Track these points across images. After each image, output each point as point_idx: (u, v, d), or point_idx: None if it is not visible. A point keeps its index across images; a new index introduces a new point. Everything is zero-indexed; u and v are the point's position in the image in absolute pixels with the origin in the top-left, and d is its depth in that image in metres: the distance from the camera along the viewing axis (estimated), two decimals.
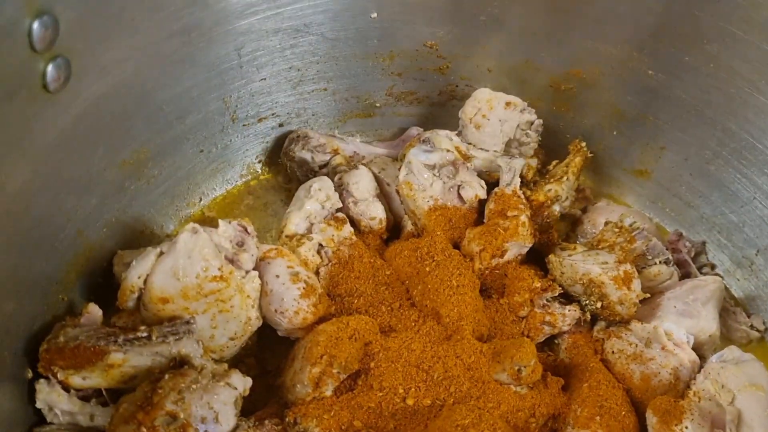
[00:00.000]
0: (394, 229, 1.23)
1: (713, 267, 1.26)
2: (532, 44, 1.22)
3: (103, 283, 1.10)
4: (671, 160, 1.25)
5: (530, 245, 1.14)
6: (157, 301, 0.97)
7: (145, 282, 0.97)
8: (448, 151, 1.19)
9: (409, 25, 1.21)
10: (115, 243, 1.11)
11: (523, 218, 1.13)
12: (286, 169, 1.29)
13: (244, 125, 1.24)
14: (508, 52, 1.24)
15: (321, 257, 1.13)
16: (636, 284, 1.09)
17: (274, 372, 1.04)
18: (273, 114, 1.26)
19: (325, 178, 1.22)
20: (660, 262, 1.14)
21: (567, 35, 1.19)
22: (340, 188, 1.21)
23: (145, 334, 0.93)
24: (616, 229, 1.17)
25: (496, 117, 1.25)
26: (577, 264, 1.10)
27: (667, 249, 1.17)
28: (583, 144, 1.27)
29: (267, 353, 1.08)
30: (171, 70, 1.06)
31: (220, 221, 1.01)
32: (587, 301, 1.10)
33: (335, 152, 1.27)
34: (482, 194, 1.17)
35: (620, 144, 1.29)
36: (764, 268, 1.21)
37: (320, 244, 1.14)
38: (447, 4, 1.18)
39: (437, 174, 1.17)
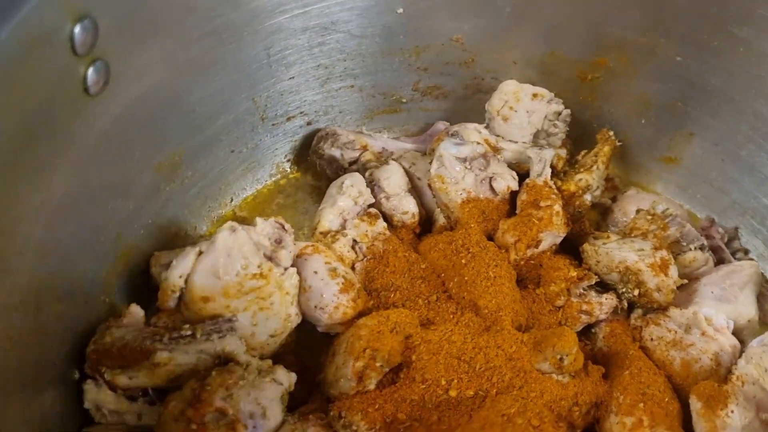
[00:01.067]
0: (425, 223, 1.23)
1: (746, 252, 1.25)
2: (557, 35, 1.22)
3: (141, 284, 1.11)
4: (701, 146, 1.25)
5: (564, 234, 1.14)
6: (198, 300, 0.97)
7: (186, 281, 0.98)
8: (477, 143, 1.20)
9: (435, 19, 1.21)
10: (152, 245, 1.12)
11: (557, 208, 1.14)
12: (316, 166, 1.30)
13: (273, 124, 1.25)
14: (533, 44, 1.24)
15: (356, 253, 1.14)
16: (673, 270, 1.09)
17: (314, 368, 1.05)
18: (301, 112, 1.27)
19: (357, 174, 1.23)
20: (695, 248, 1.14)
21: (592, 24, 1.19)
22: (372, 184, 1.21)
23: (189, 333, 0.94)
24: (649, 217, 1.17)
25: (524, 108, 1.25)
26: (613, 252, 1.10)
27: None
28: (611, 133, 1.27)
29: (306, 350, 1.08)
30: (203, 72, 1.06)
31: (257, 219, 1.02)
32: (624, 289, 1.10)
33: (364, 148, 1.28)
34: (514, 185, 1.18)
35: (648, 132, 1.29)
36: None
37: (354, 240, 1.15)
38: None
39: (469, 166, 1.18)
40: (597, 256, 1.11)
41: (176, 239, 1.18)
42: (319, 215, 1.18)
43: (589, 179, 1.23)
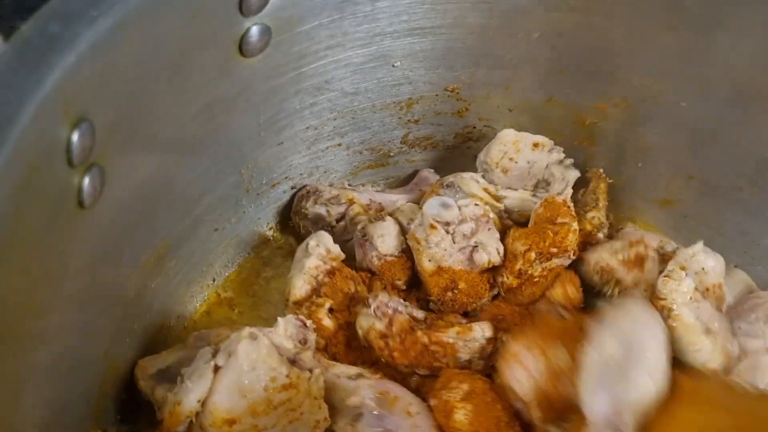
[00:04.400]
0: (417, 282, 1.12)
1: None
2: (558, 81, 1.15)
3: (126, 398, 0.96)
4: (699, 189, 1.21)
5: (573, 258, 1.07)
6: (222, 423, 0.83)
7: (203, 403, 0.84)
8: (476, 205, 1.10)
9: (432, 70, 1.11)
10: (136, 349, 0.97)
11: (574, 226, 1.07)
12: (299, 229, 1.17)
13: (257, 194, 1.11)
14: (532, 91, 1.17)
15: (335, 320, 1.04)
16: (650, 266, 1.06)
17: None
18: (286, 177, 1.14)
19: (322, 232, 1.11)
20: None
21: (594, 70, 1.13)
22: (364, 239, 1.09)
23: None
24: (658, 257, 1.13)
25: (524, 159, 1.18)
26: (588, 255, 1.09)
27: None
28: (601, 170, 1.22)
29: None
30: (192, 152, 0.92)
31: (279, 319, 0.90)
32: (606, 290, 1.08)
33: (351, 202, 1.16)
34: (497, 261, 1.05)
35: (644, 174, 1.24)
36: None
37: (331, 308, 1.04)
38: (473, 47, 1.09)
39: (451, 231, 1.06)
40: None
41: (159, 336, 1.03)
42: (289, 284, 1.05)
43: (600, 217, 1.18)
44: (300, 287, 1.03)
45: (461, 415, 0.91)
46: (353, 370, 0.96)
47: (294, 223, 1.18)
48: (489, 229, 1.09)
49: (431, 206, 1.08)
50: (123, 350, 0.93)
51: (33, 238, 0.64)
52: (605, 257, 1.08)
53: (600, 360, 0.91)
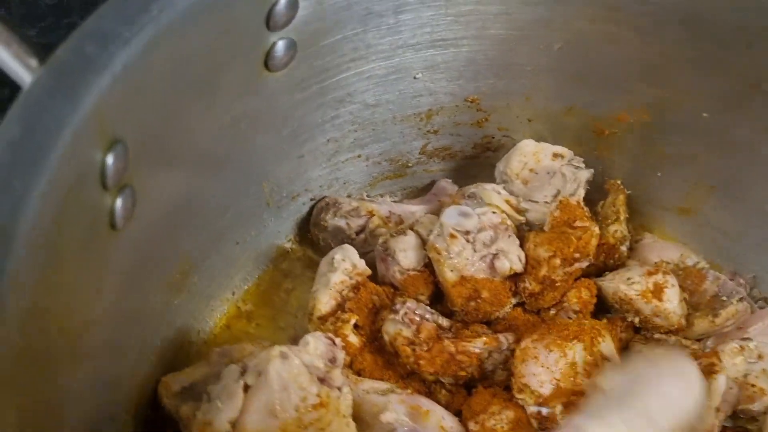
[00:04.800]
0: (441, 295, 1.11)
1: (767, 300, 1.25)
2: (579, 91, 1.14)
3: (152, 414, 0.95)
4: (721, 199, 1.21)
5: (591, 261, 1.07)
6: None
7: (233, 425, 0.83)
8: (494, 213, 1.10)
9: (453, 81, 1.10)
10: (159, 367, 0.96)
11: (596, 230, 1.07)
12: (318, 241, 1.16)
13: (278, 207, 1.10)
14: (552, 100, 1.16)
15: (360, 335, 1.03)
16: (670, 294, 1.05)
17: None
18: (306, 190, 1.13)
19: (347, 246, 1.10)
20: (736, 301, 1.09)
21: (617, 80, 1.12)
22: (385, 253, 1.08)
23: None
24: (680, 272, 1.13)
25: (544, 170, 1.17)
26: (605, 285, 1.08)
27: None
28: (619, 182, 1.21)
29: None
30: (218, 168, 0.91)
31: (308, 337, 0.89)
32: (630, 318, 1.07)
33: (371, 214, 1.16)
34: (518, 267, 1.05)
35: (664, 184, 1.23)
36: None
37: (356, 324, 1.03)
38: (495, 58, 1.09)
39: (471, 240, 1.06)
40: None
41: (181, 352, 1.01)
42: (314, 298, 1.04)
43: (623, 230, 1.17)
44: (326, 303, 1.02)
45: None
46: (383, 385, 0.95)
47: (312, 235, 1.17)
48: (509, 236, 1.08)
49: (450, 216, 1.07)
50: (147, 368, 0.92)
51: (69, 262, 0.63)
52: (623, 289, 1.07)
53: (602, 392, 0.91)
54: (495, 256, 1.05)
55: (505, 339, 1.01)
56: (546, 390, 0.94)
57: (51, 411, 0.65)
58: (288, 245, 1.18)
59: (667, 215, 1.28)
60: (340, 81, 1.00)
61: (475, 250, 1.05)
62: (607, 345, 0.99)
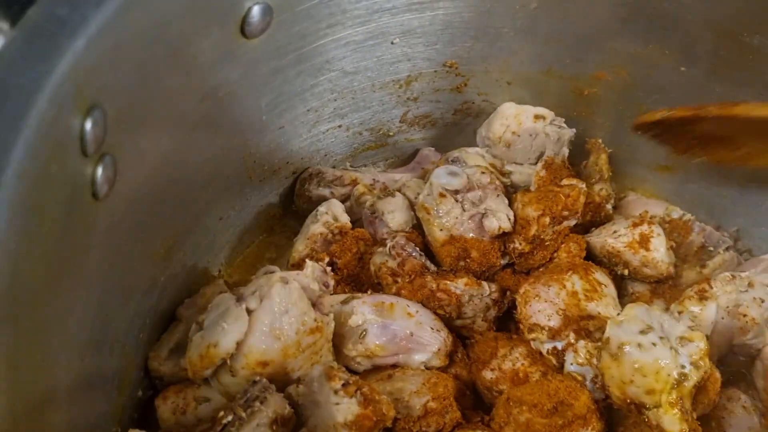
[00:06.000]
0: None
1: (750, 252, 1.26)
2: (557, 51, 1.14)
3: (142, 396, 0.94)
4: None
5: (577, 220, 1.07)
6: (255, 365, 0.84)
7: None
8: (482, 172, 1.10)
9: (430, 46, 1.10)
10: (146, 346, 0.95)
11: (583, 187, 1.07)
12: (303, 213, 1.15)
13: (260, 181, 1.09)
14: (530, 62, 1.16)
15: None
16: (656, 243, 1.06)
17: None
18: (287, 162, 1.12)
19: (334, 200, 1.11)
20: (723, 250, 1.11)
21: (593, 39, 1.12)
22: (373, 216, 1.09)
23: (230, 418, 0.78)
24: (666, 224, 1.13)
25: (527, 132, 1.17)
26: (592, 240, 1.08)
27: None
28: (600, 141, 1.21)
29: None
30: (199, 139, 0.89)
31: (307, 261, 0.93)
32: (619, 270, 1.08)
33: (354, 182, 1.15)
34: (507, 227, 1.04)
35: (645, 143, 1.23)
36: None
37: (332, 266, 1.04)
38: (471, 21, 1.08)
39: (459, 199, 1.06)
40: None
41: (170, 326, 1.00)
42: (293, 247, 1.07)
43: (607, 188, 1.17)
44: (300, 251, 1.05)
45: None
46: (341, 296, 0.96)
47: (297, 206, 1.17)
48: (498, 195, 1.08)
49: (439, 175, 1.07)
50: (136, 348, 0.91)
51: (51, 231, 0.62)
52: (610, 242, 1.07)
53: None
54: (483, 215, 1.05)
55: (488, 286, 1.01)
56: (554, 322, 0.96)
57: (41, 353, 0.64)
58: (272, 220, 1.17)
59: (649, 174, 1.29)
60: (317, 48, 0.99)
61: (464, 209, 1.05)
62: (601, 274, 1.01)
